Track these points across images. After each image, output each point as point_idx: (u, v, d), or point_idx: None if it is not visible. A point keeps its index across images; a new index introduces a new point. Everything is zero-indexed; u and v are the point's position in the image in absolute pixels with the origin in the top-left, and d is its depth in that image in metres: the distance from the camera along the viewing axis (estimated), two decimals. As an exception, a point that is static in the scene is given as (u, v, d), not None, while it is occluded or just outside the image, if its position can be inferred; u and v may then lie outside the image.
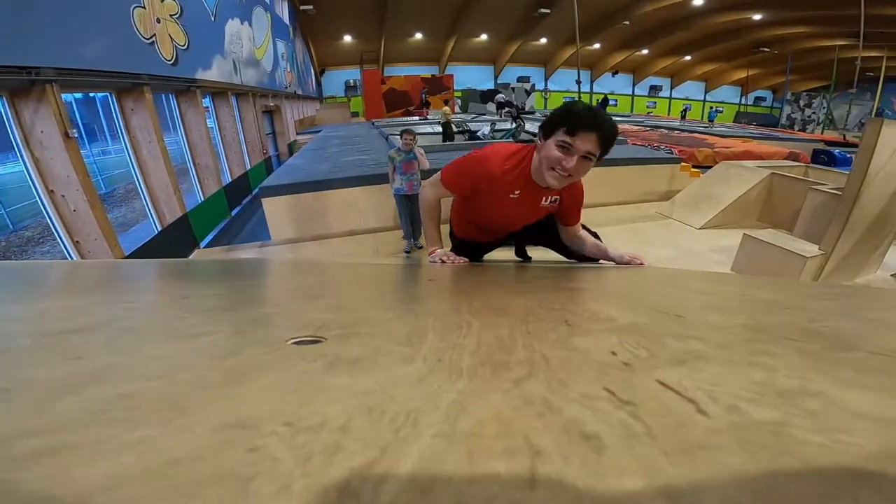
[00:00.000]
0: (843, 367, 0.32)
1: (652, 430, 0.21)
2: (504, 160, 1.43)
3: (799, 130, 23.52)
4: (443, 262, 1.57)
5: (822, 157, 11.63)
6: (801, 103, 26.72)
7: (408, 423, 0.22)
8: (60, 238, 4.77)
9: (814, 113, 25.71)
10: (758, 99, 34.97)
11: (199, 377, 0.30)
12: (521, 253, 2.21)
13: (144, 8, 6.35)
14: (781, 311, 0.62)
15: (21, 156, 4.49)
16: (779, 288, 0.90)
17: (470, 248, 1.84)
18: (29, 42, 4.26)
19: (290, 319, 0.53)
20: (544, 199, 1.50)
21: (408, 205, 4.43)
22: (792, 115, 27.02)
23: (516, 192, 1.47)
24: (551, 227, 1.84)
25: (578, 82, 8.89)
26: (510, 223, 1.68)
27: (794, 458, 0.18)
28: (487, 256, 1.99)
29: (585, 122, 1.24)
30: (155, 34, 6.64)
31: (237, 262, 2.72)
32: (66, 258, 4.80)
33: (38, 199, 4.64)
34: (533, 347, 0.38)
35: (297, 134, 16.41)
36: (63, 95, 4.65)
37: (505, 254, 2.06)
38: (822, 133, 18.94)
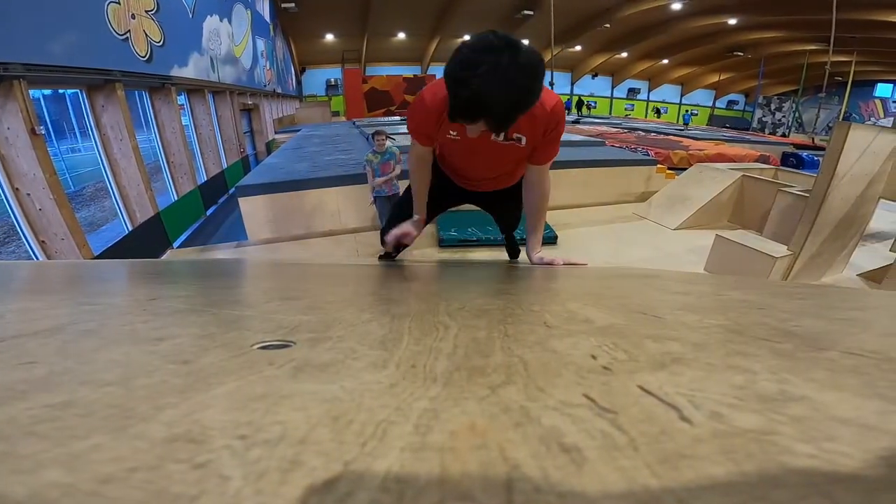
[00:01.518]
0: (819, 367, 0.32)
1: (634, 441, 0.20)
2: (439, 88, 1.14)
3: (769, 133, 24.20)
4: (395, 236, 1.51)
5: (791, 160, 12.01)
6: (773, 107, 27.49)
7: (375, 435, 0.21)
8: (25, 237, 4.60)
9: (784, 116, 26.46)
10: (731, 102, 35.93)
11: (156, 383, 0.28)
12: (512, 253, 2.23)
13: (119, 4, 6.16)
14: (754, 310, 0.63)
15: (-15, 153, 4.30)
16: (751, 288, 0.92)
17: (443, 184, 1.65)
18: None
19: (261, 322, 0.51)
20: (493, 135, 1.22)
21: (388, 206, 4.40)
22: (763, 119, 27.77)
23: (453, 132, 1.26)
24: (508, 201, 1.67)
25: (552, 84, 8.99)
26: (473, 169, 1.50)
27: (782, 468, 0.17)
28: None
29: (465, 114, 1.01)
30: (129, 30, 6.44)
31: (210, 262, 2.66)
32: (32, 258, 4.63)
33: (2, 197, 4.46)
34: (511, 351, 0.37)
35: (276, 133, 16.19)
36: (31, 91, 4.48)
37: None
38: (787, 136, 19.47)
